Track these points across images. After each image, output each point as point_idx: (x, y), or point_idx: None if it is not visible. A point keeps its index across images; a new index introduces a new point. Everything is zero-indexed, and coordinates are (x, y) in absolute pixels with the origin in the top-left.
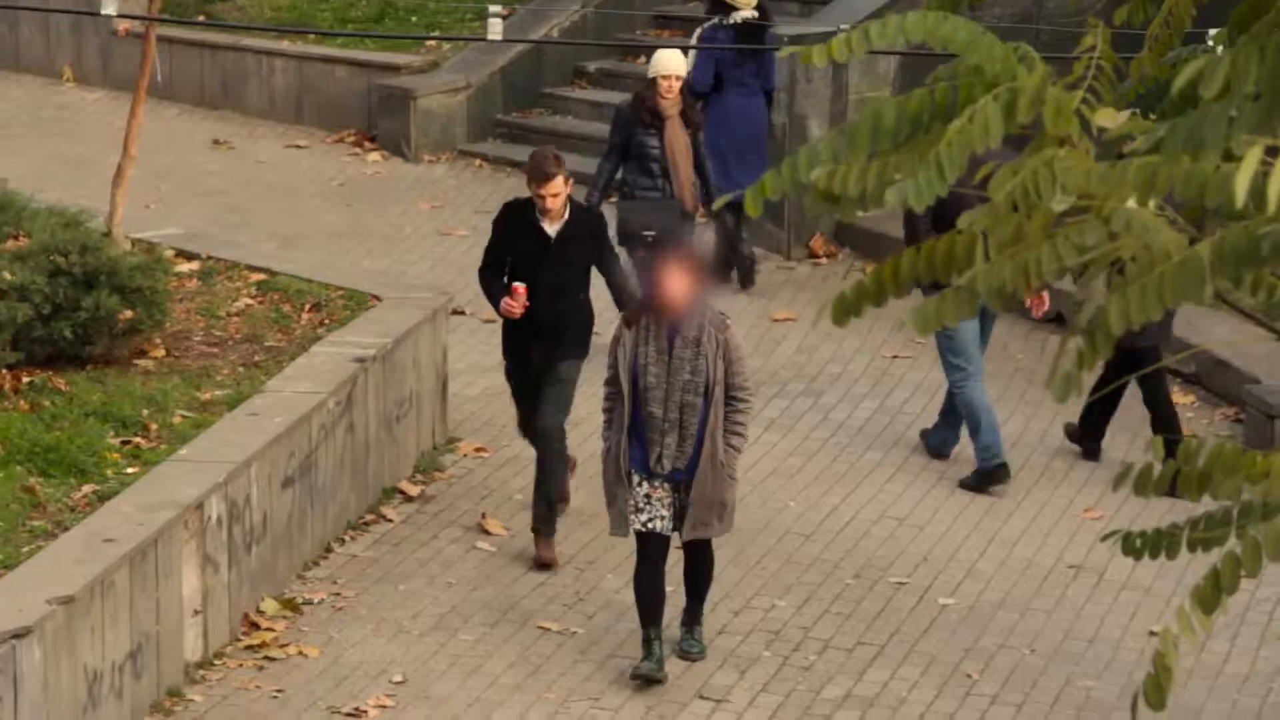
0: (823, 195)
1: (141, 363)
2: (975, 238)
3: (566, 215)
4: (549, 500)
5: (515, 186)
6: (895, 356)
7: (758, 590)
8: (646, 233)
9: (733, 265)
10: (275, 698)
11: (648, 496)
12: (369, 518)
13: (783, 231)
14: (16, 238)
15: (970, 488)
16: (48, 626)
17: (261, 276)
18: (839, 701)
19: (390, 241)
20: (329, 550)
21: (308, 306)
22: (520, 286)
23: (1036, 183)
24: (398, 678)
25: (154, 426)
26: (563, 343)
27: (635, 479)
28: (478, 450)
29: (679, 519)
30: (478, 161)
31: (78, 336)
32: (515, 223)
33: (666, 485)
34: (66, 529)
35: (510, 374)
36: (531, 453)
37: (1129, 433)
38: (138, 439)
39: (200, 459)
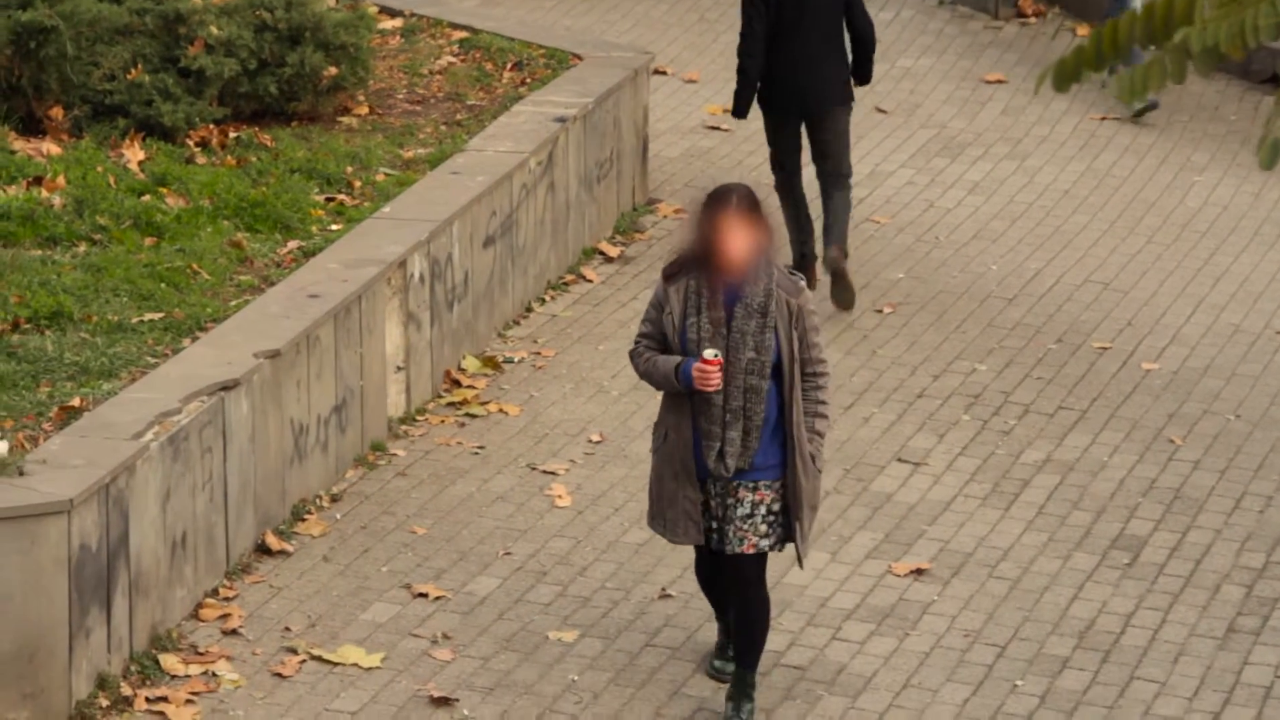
0: None
1: (345, 120)
2: None
3: None
4: None
5: None
6: (1104, 119)
7: (958, 354)
8: None
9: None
10: (476, 454)
11: (705, 504)
12: (569, 278)
13: None
14: None
15: None
16: (255, 380)
17: (463, 34)
18: (1038, 465)
19: (591, 0)
20: (529, 310)
21: (509, 65)
22: None
23: None
24: (596, 436)
25: (357, 184)
26: None
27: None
28: (677, 211)
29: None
30: None
31: (283, 92)
32: None
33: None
34: (272, 284)
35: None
36: None
37: None
38: (341, 196)
39: (403, 217)
